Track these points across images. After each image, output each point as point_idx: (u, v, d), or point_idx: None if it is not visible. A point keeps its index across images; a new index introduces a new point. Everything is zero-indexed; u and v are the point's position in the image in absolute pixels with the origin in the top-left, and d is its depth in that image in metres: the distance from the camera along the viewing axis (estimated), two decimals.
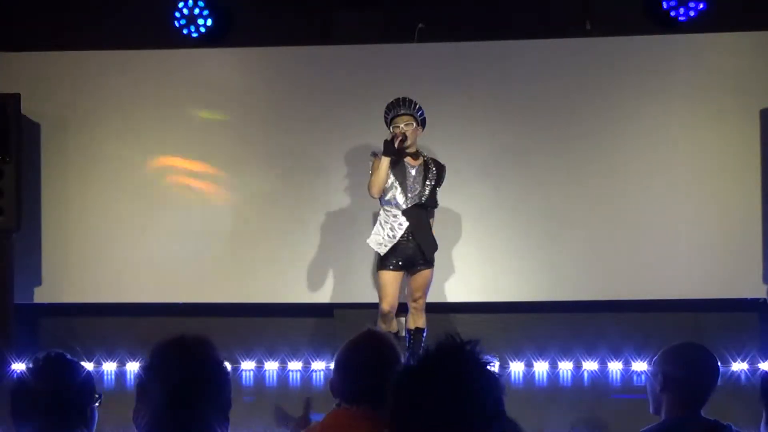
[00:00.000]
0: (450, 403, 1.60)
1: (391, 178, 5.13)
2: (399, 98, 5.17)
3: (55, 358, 2.22)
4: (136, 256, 6.28)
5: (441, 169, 5.31)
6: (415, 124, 5.15)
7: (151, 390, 2.02)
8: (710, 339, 5.34)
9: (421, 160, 5.26)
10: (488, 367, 1.65)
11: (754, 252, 6.04)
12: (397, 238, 5.13)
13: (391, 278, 5.16)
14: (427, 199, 5.21)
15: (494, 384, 1.65)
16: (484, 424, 1.62)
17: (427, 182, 5.21)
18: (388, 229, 5.16)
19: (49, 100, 6.32)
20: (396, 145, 5.06)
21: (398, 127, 5.10)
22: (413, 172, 5.20)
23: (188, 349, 2.07)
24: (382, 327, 5.16)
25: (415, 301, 5.27)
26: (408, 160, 5.21)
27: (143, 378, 2.05)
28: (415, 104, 5.18)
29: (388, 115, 5.18)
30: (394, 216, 5.16)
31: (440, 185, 5.30)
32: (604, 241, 6.13)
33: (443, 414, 1.60)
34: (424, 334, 5.29)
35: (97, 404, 2.24)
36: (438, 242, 5.32)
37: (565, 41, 6.23)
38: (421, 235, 5.18)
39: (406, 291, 5.34)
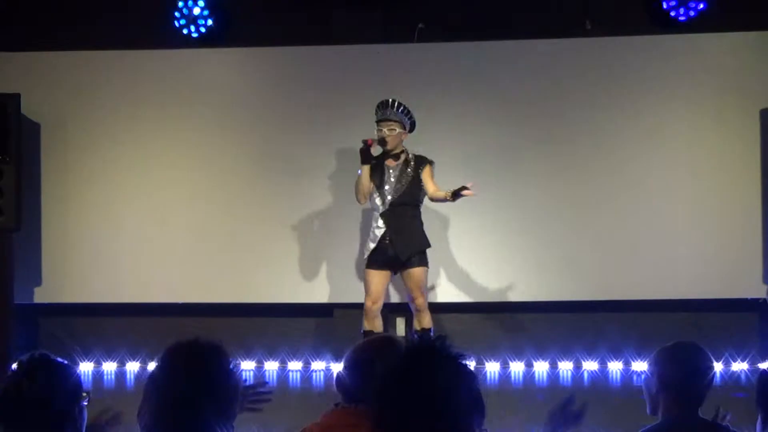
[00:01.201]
0: (426, 400, 1.65)
1: (372, 185, 5.24)
2: (386, 100, 5.24)
3: (39, 359, 2.22)
4: (136, 256, 6.28)
5: (419, 163, 5.28)
6: (398, 129, 5.20)
7: (158, 390, 2.02)
8: (710, 339, 5.35)
9: (401, 160, 5.28)
10: (459, 361, 1.68)
11: (754, 252, 6.03)
12: (377, 240, 5.22)
13: (374, 276, 5.26)
14: (401, 196, 5.22)
15: (466, 376, 1.68)
16: (461, 416, 1.65)
17: (404, 178, 5.23)
18: (371, 233, 5.29)
19: (49, 100, 6.32)
20: (372, 150, 5.17)
21: (381, 130, 5.20)
22: (392, 173, 5.26)
23: (199, 354, 2.07)
24: (365, 325, 5.25)
25: (413, 301, 5.29)
26: (388, 162, 5.27)
27: (154, 378, 2.06)
28: (400, 107, 5.22)
29: (376, 115, 5.25)
30: (375, 218, 5.28)
31: (421, 179, 5.25)
32: (604, 241, 6.13)
33: (422, 411, 1.64)
34: (431, 334, 5.28)
35: (85, 403, 2.24)
36: (430, 241, 5.32)
37: (565, 41, 6.23)
38: (397, 237, 5.21)
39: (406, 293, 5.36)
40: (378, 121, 5.24)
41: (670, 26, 6.16)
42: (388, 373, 1.71)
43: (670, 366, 2.63)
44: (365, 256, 5.33)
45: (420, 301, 5.26)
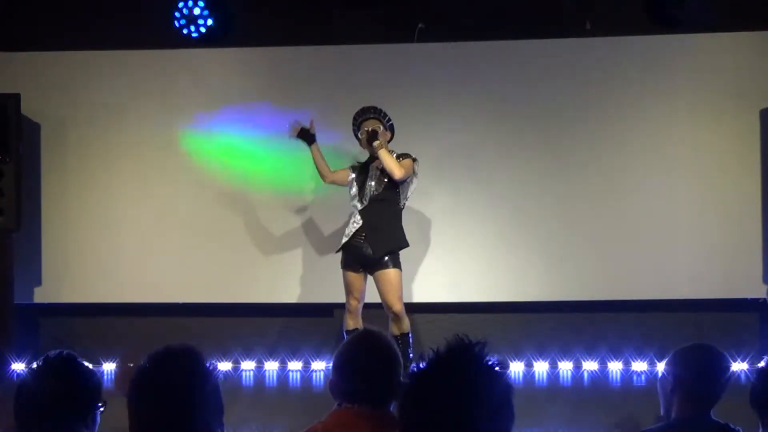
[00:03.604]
0: (459, 405, 1.61)
1: (355, 186, 5.26)
2: (365, 106, 5.31)
3: (66, 358, 2.21)
4: (136, 256, 6.28)
5: (400, 158, 5.22)
6: (382, 127, 5.23)
7: (142, 408, 2.00)
8: (710, 339, 5.31)
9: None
10: (497, 369, 1.65)
11: (754, 252, 6.04)
12: (350, 236, 5.18)
13: (352, 277, 5.24)
14: (380, 193, 5.20)
15: (503, 385, 1.65)
16: (493, 425, 1.62)
17: (384, 175, 5.19)
18: (346, 228, 5.27)
19: (49, 100, 6.32)
20: (367, 140, 5.18)
21: (364, 131, 5.23)
22: (375, 172, 5.25)
23: (172, 362, 2.06)
24: (349, 323, 5.27)
25: (389, 309, 5.15)
26: (375, 164, 5.27)
27: (133, 398, 2.04)
28: (381, 111, 5.29)
29: (356, 121, 5.30)
30: (353, 215, 5.26)
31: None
32: (604, 241, 6.13)
33: (453, 416, 1.61)
34: (410, 339, 5.24)
35: (101, 410, 2.23)
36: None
37: (565, 41, 6.23)
38: (372, 234, 5.16)
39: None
40: (362, 122, 5.27)
41: (670, 26, 6.16)
42: (422, 376, 1.67)
43: (685, 366, 2.65)
44: (336, 251, 5.30)
45: (397, 308, 5.11)
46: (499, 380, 1.65)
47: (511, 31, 6.23)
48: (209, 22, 6.33)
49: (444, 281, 6.16)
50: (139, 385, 2.03)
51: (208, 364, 2.09)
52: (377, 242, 5.15)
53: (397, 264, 5.17)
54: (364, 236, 5.17)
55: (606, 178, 6.17)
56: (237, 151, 6.34)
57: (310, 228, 6.25)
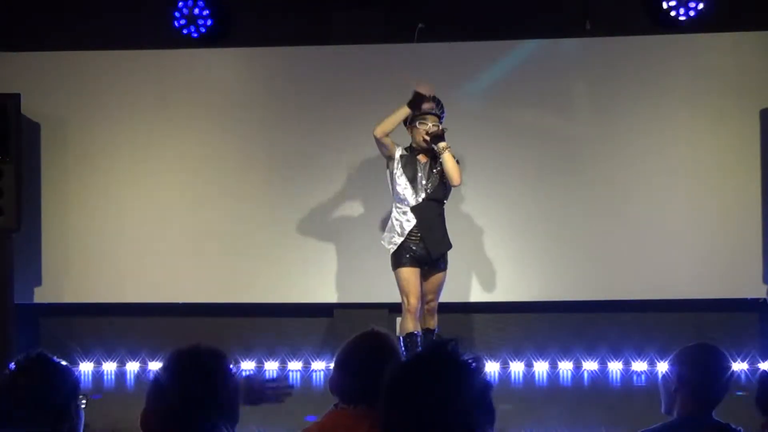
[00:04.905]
0: (435, 401, 1.64)
1: (403, 178, 5.15)
2: (434, 97, 5.22)
3: (36, 358, 2.21)
4: (136, 256, 6.28)
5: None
6: (440, 126, 5.17)
7: (165, 397, 2.03)
8: (710, 339, 5.32)
9: (430, 156, 5.24)
10: (470, 366, 1.67)
11: (754, 252, 6.04)
12: (405, 235, 5.12)
13: (410, 273, 5.13)
14: (434, 192, 5.15)
15: (478, 381, 1.67)
16: (470, 420, 1.65)
17: (435, 170, 5.18)
18: (398, 227, 5.17)
19: (49, 100, 6.32)
20: (430, 137, 5.08)
21: (426, 124, 5.11)
22: (425, 168, 5.19)
23: (203, 361, 2.09)
24: (408, 325, 5.08)
25: (427, 303, 5.26)
26: (420, 157, 5.21)
27: (158, 383, 2.07)
28: (442, 106, 5.23)
29: (419, 107, 5.16)
30: (404, 213, 5.16)
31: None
32: (604, 241, 6.13)
33: (429, 412, 1.64)
34: (434, 335, 5.29)
35: (83, 404, 2.24)
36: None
37: (565, 41, 6.23)
38: (428, 234, 5.13)
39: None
40: (423, 114, 5.15)
41: (670, 26, 6.17)
42: (398, 374, 1.70)
43: (689, 366, 2.66)
44: (391, 251, 5.18)
45: (434, 304, 5.28)
46: (474, 376, 1.67)
47: (510, 31, 6.23)
48: (209, 22, 6.33)
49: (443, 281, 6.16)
50: (162, 382, 2.06)
51: (231, 368, 2.12)
52: (434, 243, 5.15)
53: (446, 265, 5.25)
54: (419, 236, 5.14)
55: (605, 178, 6.17)
56: (236, 151, 6.34)
57: (310, 228, 6.25)
